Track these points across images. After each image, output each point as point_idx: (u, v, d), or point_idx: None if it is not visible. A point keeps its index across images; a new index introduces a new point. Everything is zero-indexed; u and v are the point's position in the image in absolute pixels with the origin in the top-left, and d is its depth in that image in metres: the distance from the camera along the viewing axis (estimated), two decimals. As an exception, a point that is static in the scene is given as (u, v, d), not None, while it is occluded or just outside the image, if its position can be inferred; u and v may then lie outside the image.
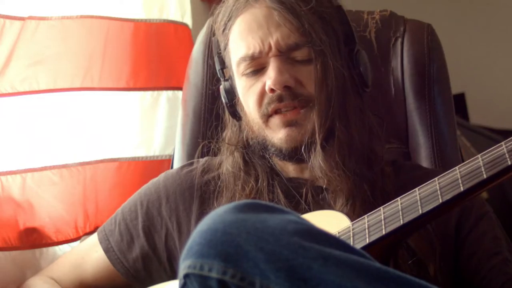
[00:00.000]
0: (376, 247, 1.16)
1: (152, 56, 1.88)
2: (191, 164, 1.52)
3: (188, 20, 1.97)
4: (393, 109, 1.66)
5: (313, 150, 1.36)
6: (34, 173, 1.66)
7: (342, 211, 1.29)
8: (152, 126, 1.88)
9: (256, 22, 1.37)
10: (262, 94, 1.38)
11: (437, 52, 1.66)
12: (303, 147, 1.36)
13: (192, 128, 1.70)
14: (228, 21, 1.42)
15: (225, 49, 1.44)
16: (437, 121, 1.63)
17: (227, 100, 1.46)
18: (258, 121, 1.39)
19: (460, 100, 3.08)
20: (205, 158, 1.53)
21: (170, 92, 1.91)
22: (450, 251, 1.36)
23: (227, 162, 1.46)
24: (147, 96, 1.87)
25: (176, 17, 1.94)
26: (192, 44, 1.86)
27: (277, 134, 1.38)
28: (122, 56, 1.83)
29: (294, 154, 1.38)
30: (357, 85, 1.43)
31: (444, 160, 1.61)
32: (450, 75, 1.68)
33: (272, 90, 1.36)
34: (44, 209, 1.66)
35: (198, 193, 1.46)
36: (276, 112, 1.37)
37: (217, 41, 1.47)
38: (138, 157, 1.85)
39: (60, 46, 1.72)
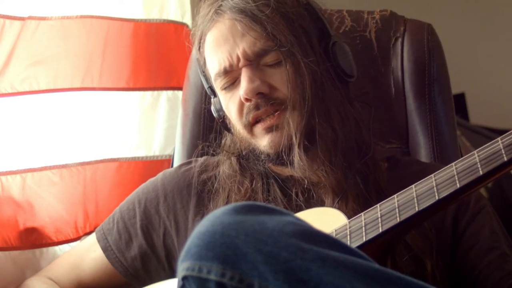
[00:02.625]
0: (373, 245, 1.16)
1: (152, 56, 1.88)
2: (189, 163, 1.53)
3: (188, 20, 1.97)
4: (393, 109, 1.66)
5: (291, 151, 1.36)
6: (34, 173, 1.66)
7: (334, 207, 1.29)
8: (152, 126, 1.88)
9: (222, 36, 1.38)
10: (241, 105, 1.39)
11: (437, 52, 1.66)
12: (282, 150, 1.37)
13: (192, 128, 1.70)
14: (200, 39, 1.43)
15: (205, 66, 1.46)
16: (437, 121, 1.63)
17: (218, 116, 1.47)
18: (243, 131, 1.41)
19: (460, 100, 3.08)
20: (203, 157, 1.54)
21: (170, 92, 1.91)
22: (447, 246, 1.36)
23: (224, 165, 1.47)
24: (147, 96, 1.87)
25: (176, 17, 1.94)
26: (192, 44, 1.86)
27: (262, 141, 1.39)
28: (122, 56, 1.83)
29: (282, 157, 1.38)
30: (335, 78, 1.42)
31: (444, 160, 1.61)
32: (450, 75, 1.68)
33: (246, 100, 1.37)
34: (44, 209, 1.66)
35: (195, 191, 1.47)
36: (258, 120, 1.38)
37: (199, 60, 1.48)
38: (138, 157, 1.85)
39: (60, 46, 1.72)
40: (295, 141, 1.35)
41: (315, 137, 1.36)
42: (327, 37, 1.43)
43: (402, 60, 1.66)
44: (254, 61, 1.37)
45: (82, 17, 1.76)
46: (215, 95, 1.47)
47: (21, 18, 1.64)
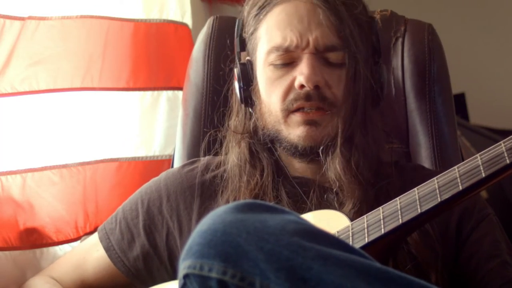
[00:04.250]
0: (375, 247, 1.16)
1: (152, 56, 1.88)
2: (192, 163, 1.52)
3: (188, 20, 1.97)
4: (394, 109, 1.66)
5: (331, 153, 1.36)
6: (34, 173, 1.65)
7: (348, 215, 1.28)
8: (152, 126, 1.88)
9: (297, 15, 1.37)
10: (289, 89, 1.37)
11: (437, 52, 1.66)
12: (321, 148, 1.36)
13: (192, 127, 1.69)
14: (265, 6, 1.41)
15: (252, 33, 1.43)
16: (437, 121, 1.63)
17: (241, 84, 1.44)
18: (278, 114, 1.38)
19: (460, 100, 3.08)
20: (207, 157, 1.53)
21: (170, 92, 1.91)
22: (451, 253, 1.36)
23: (233, 152, 1.45)
24: (147, 96, 1.87)
25: (176, 17, 1.94)
26: (192, 44, 1.86)
27: (296, 131, 1.37)
28: (122, 56, 1.83)
29: (309, 152, 1.38)
30: (376, 97, 1.43)
31: (445, 160, 1.61)
32: (450, 75, 1.68)
33: (302, 87, 1.35)
34: (44, 209, 1.66)
35: (199, 191, 1.46)
36: (298, 109, 1.37)
37: (243, 23, 1.46)
38: (138, 157, 1.85)
39: (60, 46, 1.72)
40: (338, 143, 1.35)
41: (351, 146, 1.36)
42: (378, 56, 1.44)
43: (403, 60, 1.66)
44: (320, 52, 1.36)
45: (82, 17, 1.76)
46: (241, 62, 1.44)
47: (21, 18, 1.64)
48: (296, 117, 1.37)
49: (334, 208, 1.36)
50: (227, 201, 1.41)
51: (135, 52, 1.85)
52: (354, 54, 1.36)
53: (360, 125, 1.37)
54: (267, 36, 1.40)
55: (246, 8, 1.45)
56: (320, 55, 1.36)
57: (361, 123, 1.38)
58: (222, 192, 1.43)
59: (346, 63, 1.36)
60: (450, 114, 1.66)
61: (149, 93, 1.88)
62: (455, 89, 1.72)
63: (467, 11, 3.34)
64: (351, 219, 1.24)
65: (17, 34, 1.63)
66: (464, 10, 3.34)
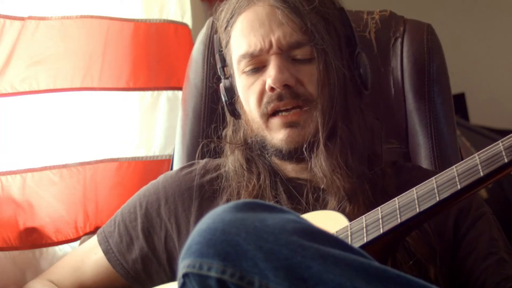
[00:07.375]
0: (374, 246, 1.16)
1: (152, 56, 1.88)
2: (191, 165, 1.52)
3: (188, 20, 1.97)
4: (393, 109, 1.66)
5: (315, 149, 1.36)
6: (34, 173, 1.66)
7: (342, 212, 1.29)
8: (152, 126, 1.88)
9: (258, 20, 1.37)
10: (262, 93, 1.38)
11: (437, 52, 1.66)
12: (304, 147, 1.36)
13: (192, 128, 1.70)
14: (231, 18, 1.42)
15: (226, 46, 1.44)
16: (437, 121, 1.63)
17: (226, 98, 1.46)
18: (258, 120, 1.39)
19: (460, 100, 3.08)
20: (205, 160, 1.53)
21: (170, 92, 1.91)
22: (449, 251, 1.37)
23: (229, 160, 1.46)
24: (147, 96, 1.87)
25: (176, 17, 1.94)
26: (192, 44, 1.87)
27: (277, 135, 1.38)
28: (122, 56, 1.83)
29: (294, 154, 1.38)
30: (357, 86, 1.43)
31: (444, 160, 1.61)
32: (450, 75, 1.68)
33: (272, 89, 1.36)
34: (44, 209, 1.66)
35: (197, 194, 1.47)
36: (276, 113, 1.37)
37: (219, 39, 1.47)
38: (138, 157, 1.85)
39: (60, 46, 1.72)
40: (320, 139, 1.35)
41: (336, 140, 1.36)
42: (353, 45, 1.44)
43: (402, 60, 1.66)
44: (286, 52, 1.37)
45: (82, 17, 1.76)
46: (226, 76, 1.46)
47: (21, 18, 1.64)
48: (276, 121, 1.38)
49: (326, 207, 1.36)
50: (227, 202, 1.41)
51: (135, 52, 1.86)
52: (321, 47, 1.36)
53: (341, 117, 1.37)
54: (235, 45, 1.41)
55: (218, 23, 1.47)
56: (286, 54, 1.37)
57: (342, 114, 1.38)
58: (221, 193, 1.44)
59: (315, 57, 1.37)
60: (450, 114, 1.66)
61: (149, 93, 1.88)
62: (455, 89, 1.72)
63: (467, 11, 3.35)
64: (348, 215, 1.25)
65: (17, 34, 1.63)
66: (464, 10, 3.35)
